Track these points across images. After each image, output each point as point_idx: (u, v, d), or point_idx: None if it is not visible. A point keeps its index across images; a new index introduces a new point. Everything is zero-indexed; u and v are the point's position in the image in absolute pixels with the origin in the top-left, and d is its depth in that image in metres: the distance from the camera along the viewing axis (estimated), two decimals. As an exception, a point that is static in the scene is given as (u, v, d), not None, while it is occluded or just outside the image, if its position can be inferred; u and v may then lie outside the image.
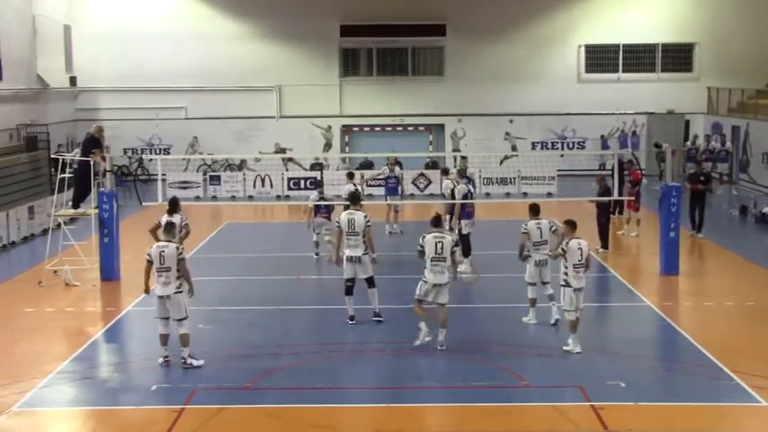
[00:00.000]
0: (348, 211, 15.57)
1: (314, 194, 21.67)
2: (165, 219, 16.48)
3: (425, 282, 13.76)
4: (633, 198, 22.97)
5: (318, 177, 25.08)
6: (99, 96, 38.28)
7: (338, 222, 15.55)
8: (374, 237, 15.62)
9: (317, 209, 21.02)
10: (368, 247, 15.28)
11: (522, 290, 18.10)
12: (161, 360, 13.27)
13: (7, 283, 19.32)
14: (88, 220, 19.48)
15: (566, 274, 13.74)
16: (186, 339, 13.22)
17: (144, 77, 37.55)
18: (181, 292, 13.19)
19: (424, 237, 13.84)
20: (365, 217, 15.34)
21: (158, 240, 16.41)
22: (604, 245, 21.46)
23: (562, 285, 13.79)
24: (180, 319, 13.20)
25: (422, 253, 13.76)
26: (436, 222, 14.16)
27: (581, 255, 13.68)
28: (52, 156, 26.88)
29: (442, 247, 13.65)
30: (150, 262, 13.25)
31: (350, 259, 15.20)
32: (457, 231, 19.25)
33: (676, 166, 20.72)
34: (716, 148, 33.50)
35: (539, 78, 38.23)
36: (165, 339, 13.33)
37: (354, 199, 16.08)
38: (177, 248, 13.22)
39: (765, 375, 12.55)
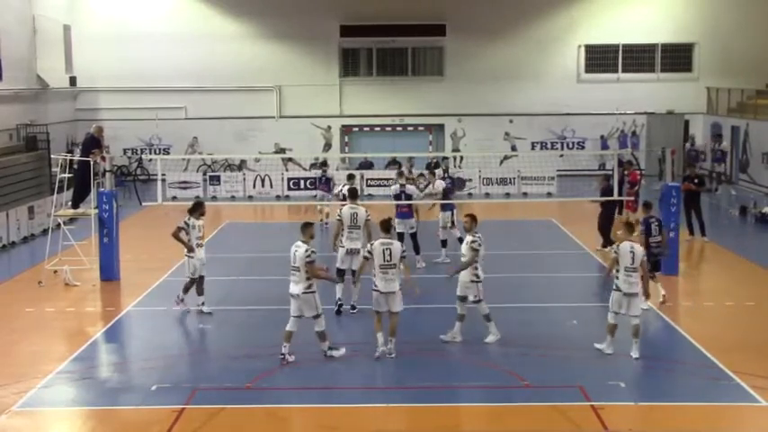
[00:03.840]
0: (350, 205, 15.98)
1: (319, 171, 26.14)
2: (183, 221, 16.32)
3: (377, 291, 13.48)
4: (632, 199, 22.96)
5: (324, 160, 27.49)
6: (99, 96, 38.28)
7: (339, 215, 15.89)
8: (373, 231, 15.73)
9: (319, 182, 25.65)
10: (367, 242, 15.55)
11: (521, 291, 18.16)
12: (280, 356, 13.33)
13: (7, 283, 19.31)
14: (88, 220, 19.47)
15: (617, 278, 13.42)
16: (322, 335, 13.45)
17: (144, 77, 37.56)
18: (311, 292, 13.33)
19: (372, 244, 13.69)
20: (366, 212, 15.81)
21: (181, 242, 16.23)
22: (606, 243, 21.41)
23: (613, 290, 13.48)
24: (314, 317, 13.37)
25: (367, 260, 13.60)
26: (386, 227, 13.78)
27: (632, 259, 13.36)
28: (53, 156, 26.88)
29: (390, 254, 13.38)
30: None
31: (348, 251, 15.71)
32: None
33: (676, 167, 20.68)
34: (714, 148, 33.61)
35: (539, 78, 38.24)
36: (288, 336, 13.40)
37: (354, 195, 16.41)
38: (306, 250, 13.30)
39: (765, 375, 12.55)
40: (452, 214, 20.44)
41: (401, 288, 13.59)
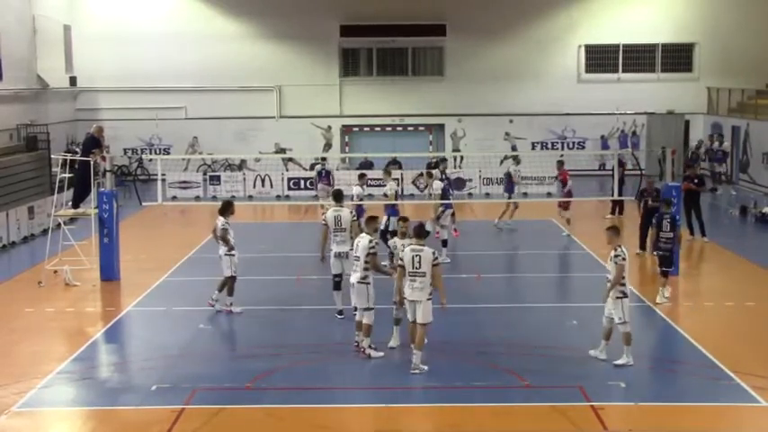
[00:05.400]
0: (334, 208, 15.87)
1: (318, 166, 26.85)
2: (224, 221, 16.30)
3: (404, 297, 13.00)
4: (564, 197, 23.39)
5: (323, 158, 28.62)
6: (99, 96, 38.29)
7: (324, 220, 15.81)
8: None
9: (319, 176, 26.12)
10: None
11: (521, 291, 18.17)
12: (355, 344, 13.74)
13: (7, 283, 19.30)
14: (88, 220, 19.47)
15: (623, 284, 13.15)
16: (366, 329, 13.51)
17: (144, 77, 37.57)
18: (366, 283, 13.50)
19: (402, 249, 13.15)
20: (351, 213, 15.69)
21: (226, 242, 16.20)
22: (642, 246, 20.87)
23: (619, 297, 13.12)
24: (363, 309, 13.51)
25: (402, 267, 12.89)
26: (419, 232, 13.08)
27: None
28: (53, 155, 26.90)
29: (420, 261, 12.70)
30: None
31: (337, 255, 15.53)
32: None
33: (676, 167, 20.67)
34: (714, 148, 33.63)
35: (539, 78, 38.24)
36: (357, 325, 13.74)
37: (338, 197, 16.31)
38: (370, 241, 13.57)
39: (765, 375, 12.55)
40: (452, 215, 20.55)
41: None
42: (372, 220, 14.20)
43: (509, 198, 24.89)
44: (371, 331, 13.54)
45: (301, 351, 13.99)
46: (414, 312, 12.95)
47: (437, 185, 20.83)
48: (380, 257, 14.39)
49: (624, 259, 13.10)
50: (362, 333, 13.58)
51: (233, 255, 16.28)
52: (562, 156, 35.42)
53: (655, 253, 17.22)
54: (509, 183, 25.30)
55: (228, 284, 16.32)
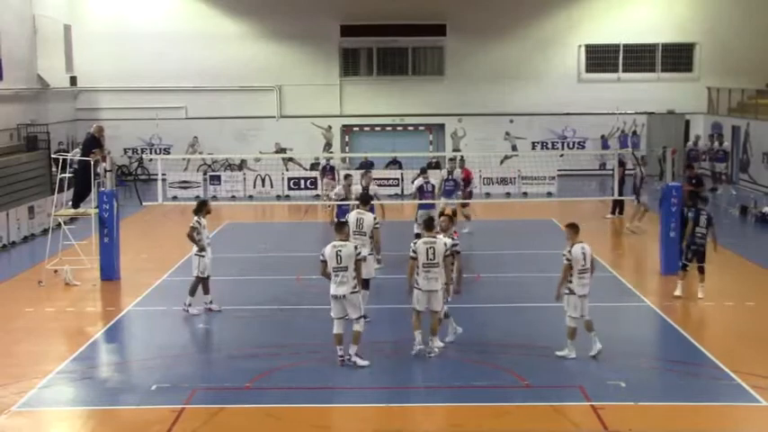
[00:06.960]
0: (357, 210, 15.78)
1: (323, 160, 28.96)
2: (196, 220, 16.30)
3: (418, 289, 13.37)
4: (465, 196, 23.95)
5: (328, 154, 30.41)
6: (99, 96, 38.28)
7: (347, 220, 15.76)
8: (381, 238, 15.74)
9: (323, 171, 28.18)
10: (374, 248, 15.43)
11: (522, 290, 18.16)
12: (338, 360, 13.19)
13: (7, 282, 19.30)
14: (88, 220, 19.48)
15: (570, 281, 13.38)
16: (357, 336, 13.24)
17: (144, 77, 37.56)
18: (356, 292, 13.16)
19: (415, 242, 13.45)
20: (374, 218, 15.56)
21: (194, 242, 16.15)
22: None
23: (566, 293, 13.48)
24: (356, 318, 13.21)
25: (415, 259, 13.30)
26: (428, 225, 13.62)
27: (584, 260, 13.38)
28: (53, 156, 26.94)
29: (434, 253, 13.21)
30: (324, 262, 13.19)
31: None
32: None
33: (676, 167, 20.63)
34: (715, 148, 33.65)
35: (539, 78, 38.23)
36: (339, 339, 13.27)
37: (365, 200, 16.20)
38: (355, 248, 13.19)
39: (765, 375, 12.55)
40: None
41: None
42: (344, 225, 13.82)
43: (638, 201, 24.20)
44: (360, 339, 13.32)
45: (301, 351, 13.99)
46: (428, 302, 13.37)
47: (417, 183, 21.12)
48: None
49: (569, 260, 13.27)
50: (353, 341, 13.28)
51: (203, 256, 16.15)
52: (562, 155, 35.72)
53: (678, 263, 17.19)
54: (635, 186, 24.44)
55: (193, 284, 16.23)
